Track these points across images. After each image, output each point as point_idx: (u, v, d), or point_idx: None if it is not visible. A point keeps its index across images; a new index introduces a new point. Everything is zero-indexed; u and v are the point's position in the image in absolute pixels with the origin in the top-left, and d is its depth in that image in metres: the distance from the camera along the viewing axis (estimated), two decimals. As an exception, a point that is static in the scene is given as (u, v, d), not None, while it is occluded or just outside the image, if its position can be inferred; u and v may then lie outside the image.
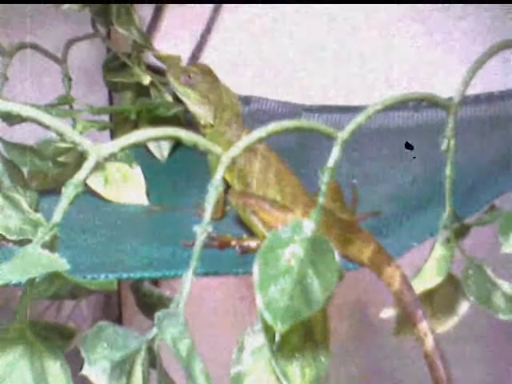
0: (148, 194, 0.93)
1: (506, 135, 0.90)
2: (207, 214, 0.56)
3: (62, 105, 1.00)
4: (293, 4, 1.13)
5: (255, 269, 0.56)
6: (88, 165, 0.54)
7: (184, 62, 1.07)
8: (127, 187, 0.93)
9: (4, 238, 0.76)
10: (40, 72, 1.10)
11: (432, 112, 0.99)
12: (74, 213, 0.55)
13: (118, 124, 1.06)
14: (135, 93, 1.08)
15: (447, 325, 0.71)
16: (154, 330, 0.56)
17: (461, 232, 0.72)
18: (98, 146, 0.54)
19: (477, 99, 0.98)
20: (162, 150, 1.04)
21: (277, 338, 0.56)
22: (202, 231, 0.56)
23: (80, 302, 1.19)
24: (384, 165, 0.95)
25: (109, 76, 1.09)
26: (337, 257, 0.57)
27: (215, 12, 1.16)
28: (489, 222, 0.71)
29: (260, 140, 0.58)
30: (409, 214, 0.79)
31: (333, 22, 1.13)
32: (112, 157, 0.55)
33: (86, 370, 0.55)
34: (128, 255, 0.77)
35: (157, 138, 0.57)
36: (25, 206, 0.80)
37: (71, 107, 1.01)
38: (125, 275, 0.70)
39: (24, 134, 0.87)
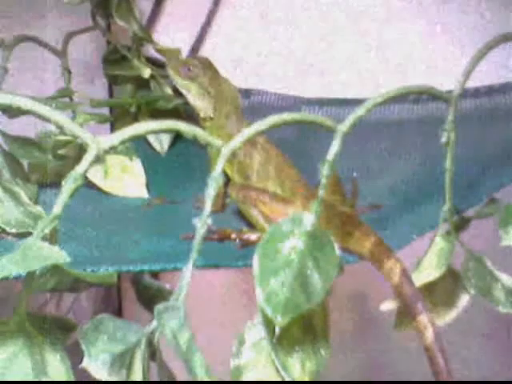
0: (148, 187, 0.93)
1: (506, 128, 0.90)
2: (207, 207, 0.56)
3: (62, 97, 1.00)
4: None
5: (255, 262, 0.56)
6: (88, 157, 0.54)
7: (184, 54, 1.07)
8: (127, 180, 0.93)
9: (4, 231, 0.76)
10: (40, 65, 1.10)
11: (432, 105, 0.99)
12: (73, 206, 0.55)
13: (118, 117, 1.06)
14: (135, 85, 1.07)
15: (447, 318, 0.72)
16: (154, 323, 0.56)
17: (461, 225, 0.72)
18: (98, 139, 0.54)
19: (477, 92, 0.98)
20: (161, 143, 1.04)
21: (277, 331, 0.56)
22: (201, 224, 0.56)
23: (80, 295, 1.19)
24: (384, 158, 0.95)
25: (109, 69, 1.09)
26: (337, 250, 0.57)
27: (215, 4, 1.16)
28: (489, 214, 0.71)
29: (260, 133, 0.58)
30: (409, 207, 0.79)
31: (332, 15, 1.13)
32: (112, 149, 0.55)
33: (86, 363, 0.55)
34: (128, 248, 0.77)
35: (157, 131, 0.57)
36: (25, 198, 0.80)
37: (71, 100, 1.01)
38: (125, 268, 0.70)
39: (24, 127, 0.87)
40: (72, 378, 0.55)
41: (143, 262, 0.72)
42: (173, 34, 1.17)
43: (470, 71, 0.67)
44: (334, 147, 0.59)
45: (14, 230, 0.76)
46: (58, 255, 0.52)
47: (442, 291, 0.71)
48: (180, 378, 0.60)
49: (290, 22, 1.15)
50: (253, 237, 0.77)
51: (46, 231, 0.54)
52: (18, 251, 0.52)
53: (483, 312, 0.71)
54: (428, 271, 0.69)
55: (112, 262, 0.70)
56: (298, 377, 0.58)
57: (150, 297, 0.85)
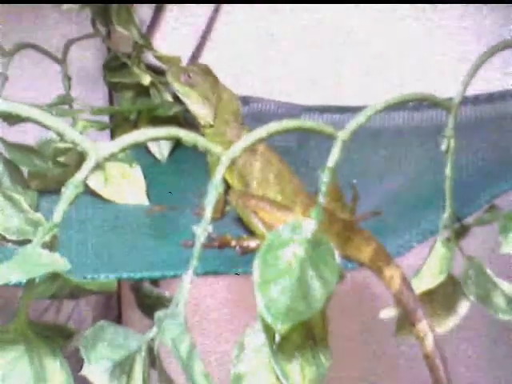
0: (148, 194, 0.93)
1: (506, 135, 0.90)
2: (207, 214, 0.56)
3: (62, 105, 1.00)
4: (292, 4, 1.13)
5: (255, 269, 0.56)
6: (88, 165, 0.54)
7: (184, 61, 1.07)
8: (127, 187, 0.93)
9: (4, 238, 0.76)
10: (40, 72, 1.10)
11: (432, 112, 0.99)
12: (74, 213, 0.55)
13: (118, 124, 1.06)
14: (135, 93, 1.08)
15: (447, 325, 0.71)
16: (154, 330, 0.56)
17: (461, 232, 0.72)
18: (98, 146, 0.54)
19: (476, 99, 0.98)
20: (161, 150, 1.04)
21: (277, 338, 0.56)
22: (201, 231, 0.56)
23: (80, 302, 1.19)
24: (384, 165, 0.95)
25: (109, 76, 1.09)
26: (337, 257, 0.57)
27: (215, 12, 1.16)
28: (489, 221, 0.71)
29: (260, 140, 0.58)
30: (409, 214, 0.79)
31: (333, 22, 1.13)
32: (112, 157, 0.55)
33: (86, 370, 0.55)
34: (128, 255, 0.77)
35: (157, 138, 0.57)
36: (25, 205, 0.80)
37: (71, 107, 1.01)
38: (125, 275, 0.70)
39: (24, 135, 0.87)
40: (72, 385, 0.55)
41: (143, 269, 0.72)
42: (173, 41, 1.17)
43: (470, 78, 0.67)
44: (334, 154, 0.59)
45: (14, 238, 0.76)
46: (58, 262, 0.52)
47: (442, 298, 0.71)
48: (180, 385, 0.60)
49: (290, 29, 1.15)
50: (253, 244, 0.77)
51: (46, 238, 0.54)
52: (18, 258, 0.52)
53: (485, 318, 0.70)
54: (428, 278, 0.69)
55: (112, 270, 0.70)
56: (298, 384, 0.58)
57: (150, 304, 0.85)
